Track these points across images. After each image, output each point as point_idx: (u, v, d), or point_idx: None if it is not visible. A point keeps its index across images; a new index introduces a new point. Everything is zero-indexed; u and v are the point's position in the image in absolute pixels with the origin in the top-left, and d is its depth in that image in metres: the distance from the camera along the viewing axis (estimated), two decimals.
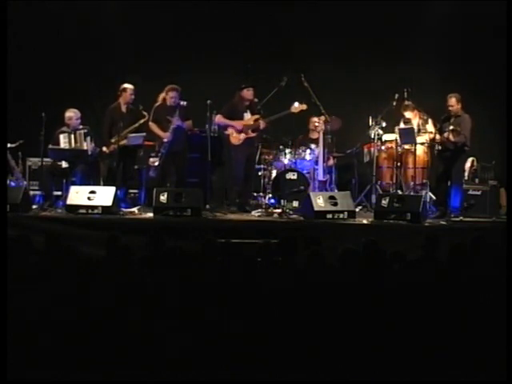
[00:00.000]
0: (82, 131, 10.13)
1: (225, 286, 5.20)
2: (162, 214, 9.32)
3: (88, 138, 10.13)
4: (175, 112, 10.05)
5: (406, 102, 10.61)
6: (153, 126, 10.17)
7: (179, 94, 10.10)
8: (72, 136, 10.14)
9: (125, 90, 10.22)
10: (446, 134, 9.79)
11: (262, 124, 10.22)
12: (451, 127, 9.82)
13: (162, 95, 10.19)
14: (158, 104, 10.22)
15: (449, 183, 9.96)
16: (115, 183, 9.95)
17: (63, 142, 10.14)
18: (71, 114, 10.19)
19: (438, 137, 9.96)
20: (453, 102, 9.88)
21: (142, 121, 10.09)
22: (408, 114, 10.62)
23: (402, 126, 10.64)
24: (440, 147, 9.99)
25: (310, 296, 5.00)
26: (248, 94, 10.22)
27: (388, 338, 4.47)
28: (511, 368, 4.27)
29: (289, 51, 11.82)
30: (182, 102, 10.10)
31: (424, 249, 6.41)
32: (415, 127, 10.41)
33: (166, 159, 10.08)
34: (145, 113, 10.09)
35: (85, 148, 10.07)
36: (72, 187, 9.58)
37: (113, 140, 10.10)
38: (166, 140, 10.06)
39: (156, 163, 10.12)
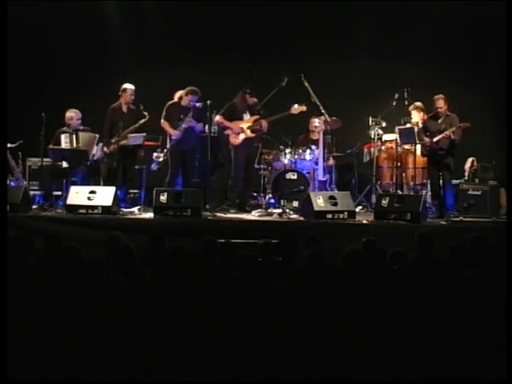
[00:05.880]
0: (96, 136, 10.16)
1: (225, 286, 5.21)
2: (162, 214, 9.32)
3: (100, 145, 10.15)
4: (189, 112, 10.02)
5: (416, 103, 10.59)
6: (164, 124, 10.13)
7: (199, 97, 10.05)
8: (74, 136, 10.15)
9: (125, 90, 10.21)
10: (448, 132, 9.82)
11: (264, 125, 10.18)
12: (443, 126, 9.91)
13: (179, 94, 10.16)
14: (171, 102, 10.19)
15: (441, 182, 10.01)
16: (115, 183, 9.95)
17: (64, 142, 10.14)
18: (72, 115, 10.21)
19: (440, 136, 9.93)
20: (441, 103, 10.01)
21: (142, 121, 10.07)
22: (414, 115, 10.60)
23: (408, 125, 10.61)
24: (436, 146, 9.99)
25: (310, 296, 5.00)
26: (250, 100, 10.21)
27: (388, 337, 4.47)
28: (511, 368, 4.27)
29: (289, 51, 11.83)
30: (197, 104, 10.04)
31: (419, 249, 6.41)
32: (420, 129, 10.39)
33: (174, 158, 10.05)
34: (145, 113, 10.06)
35: (93, 152, 10.09)
36: (72, 187, 9.57)
37: (113, 140, 10.10)
38: (174, 137, 10.03)
39: (160, 159, 10.04)
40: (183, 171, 10.24)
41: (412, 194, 10.22)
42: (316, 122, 10.83)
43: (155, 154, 10.10)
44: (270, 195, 10.40)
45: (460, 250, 6.25)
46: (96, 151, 10.16)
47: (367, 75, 11.73)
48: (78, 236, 8.33)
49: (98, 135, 10.21)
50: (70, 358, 4.19)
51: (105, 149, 10.18)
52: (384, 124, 10.79)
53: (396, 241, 7.49)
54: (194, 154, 10.34)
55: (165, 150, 10.06)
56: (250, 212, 10.02)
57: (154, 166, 10.18)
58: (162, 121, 10.15)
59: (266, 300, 4.67)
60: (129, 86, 10.23)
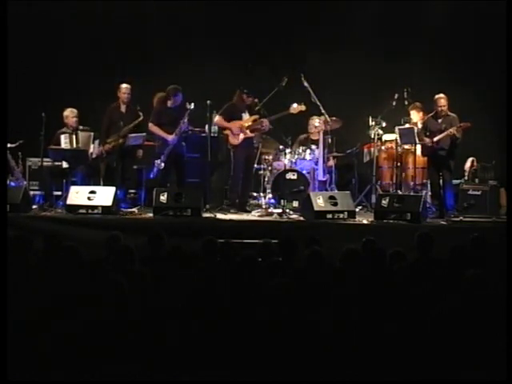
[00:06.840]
0: (91, 134, 10.16)
1: (225, 286, 5.21)
2: (162, 214, 9.31)
3: (96, 142, 10.15)
4: (181, 113, 9.92)
5: (416, 103, 10.58)
6: (154, 128, 10.04)
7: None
8: (73, 136, 10.15)
9: (119, 88, 10.20)
10: (452, 130, 9.82)
11: (265, 124, 10.15)
12: (444, 125, 9.92)
13: (161, 96, 10.13)
14: (159, 106, 10.13)
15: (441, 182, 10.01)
16: (114, 183, 9.93)
17: (64, 142, 10.14)
18: (68, 113, 10.22)
19: (441, 135, 9.93)
20: (443, 102, 10.02)
21: (136, 121, 10.05)
22: (413, 115, 10.59)
23: (407, 125, 10.61)
24: (437, 146, 10.00)
25: (310, 296, 5.00)
26: (247, 99, 10.19)
27: (389, 337, 4.47)
28: (511, 368, 4.27)
29: (289, 51, 11.83)
30: (190, 106, 9.92)
31: (419, 249, 6.41)
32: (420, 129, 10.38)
33: (168, 161, 10.00)
34: (140, 113, 10.04)
35: (90, 150, 10.09)
36: (72, 187, 9.57)
37: (110, 139, 10.08)
38: (171, 141, 9.94)
39: (162, 166, 9.90)
40: (176, 170, 10.20)
41: (412, 193, 10.22)
42: (316, 122, 10.82)
43: (157, 162, 9.96)
44: (270, 195, 10.40)
45: (460, 250, 6.25)
46: (93, 149, 10.16)
47: (367, 75, 11.73)
48: (77, 236, 8.34)
49: (93, 133, 10.20)
50: (69, 358, 4.19)
51: (101, 148, 10.17)
52: (384, 124, 10.78)
53: (396, 241, 7.49)
54: (183, 152, 10.26)
55: (162, 157, 9.97)
56: (250, 212, 10.02)
57: (153, 175, 10.09)
58: (151, 125, 10.05)
59: (266, 300, 4.67)
60: (123, 85, 10.21)
